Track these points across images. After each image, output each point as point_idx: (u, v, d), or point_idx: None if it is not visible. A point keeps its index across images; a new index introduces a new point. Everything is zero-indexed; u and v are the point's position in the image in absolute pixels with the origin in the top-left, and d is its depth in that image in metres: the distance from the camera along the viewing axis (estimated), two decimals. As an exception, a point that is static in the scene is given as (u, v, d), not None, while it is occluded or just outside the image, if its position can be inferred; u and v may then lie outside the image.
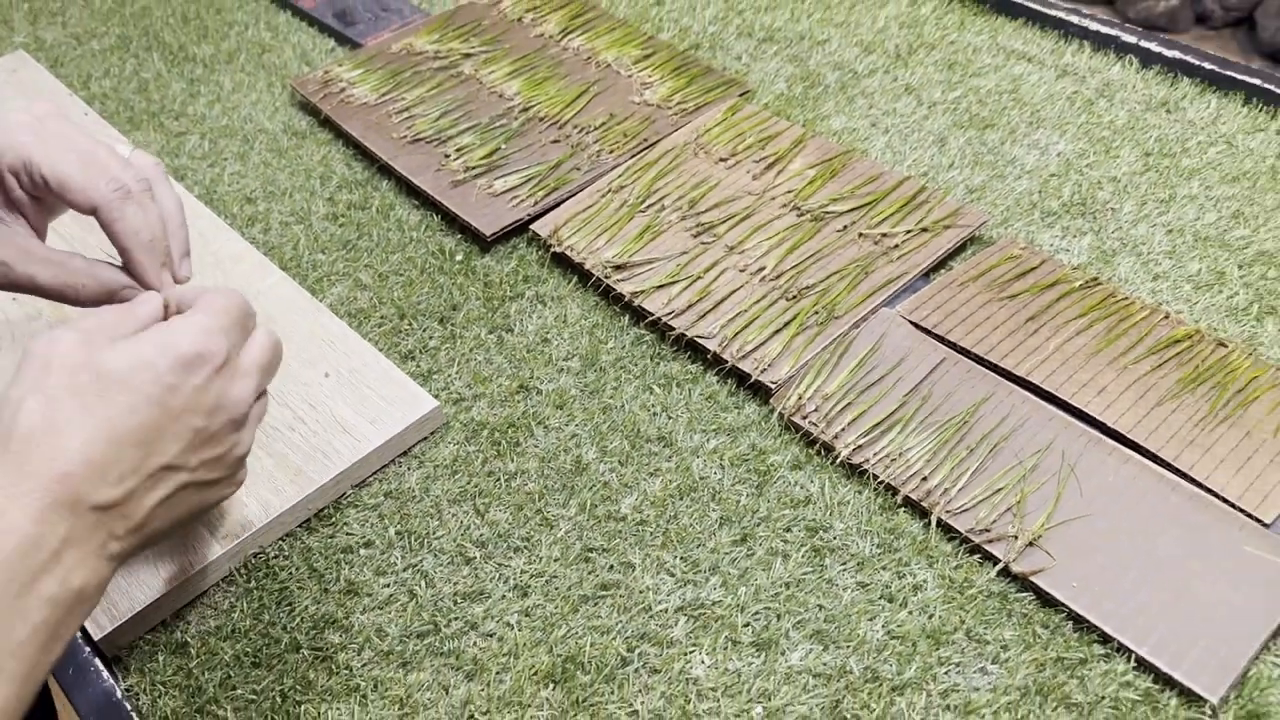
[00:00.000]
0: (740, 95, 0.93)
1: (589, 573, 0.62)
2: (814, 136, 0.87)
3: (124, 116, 0.98)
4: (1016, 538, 0.60)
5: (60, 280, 0.57)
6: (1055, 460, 0.63)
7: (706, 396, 0.70)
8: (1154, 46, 0.94)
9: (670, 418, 0.69)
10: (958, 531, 0.61)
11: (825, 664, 0.57)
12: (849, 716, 0.54)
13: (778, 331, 0.72)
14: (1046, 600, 0.58)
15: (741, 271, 0.76)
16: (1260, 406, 0.65)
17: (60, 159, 0.55)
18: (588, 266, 0.78)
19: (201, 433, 0.49)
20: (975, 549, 0.61)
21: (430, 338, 0.76)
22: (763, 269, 0.76)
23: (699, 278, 0.76)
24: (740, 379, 0.71)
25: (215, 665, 0.59)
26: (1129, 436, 0.64)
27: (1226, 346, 0.69)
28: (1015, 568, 0.59)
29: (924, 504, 0.62)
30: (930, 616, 0.58)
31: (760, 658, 0.57)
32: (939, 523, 0.62)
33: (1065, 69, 0.95)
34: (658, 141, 0.88)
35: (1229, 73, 0.90)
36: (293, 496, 0.64)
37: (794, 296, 0.74)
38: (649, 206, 0.82)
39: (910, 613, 0.58)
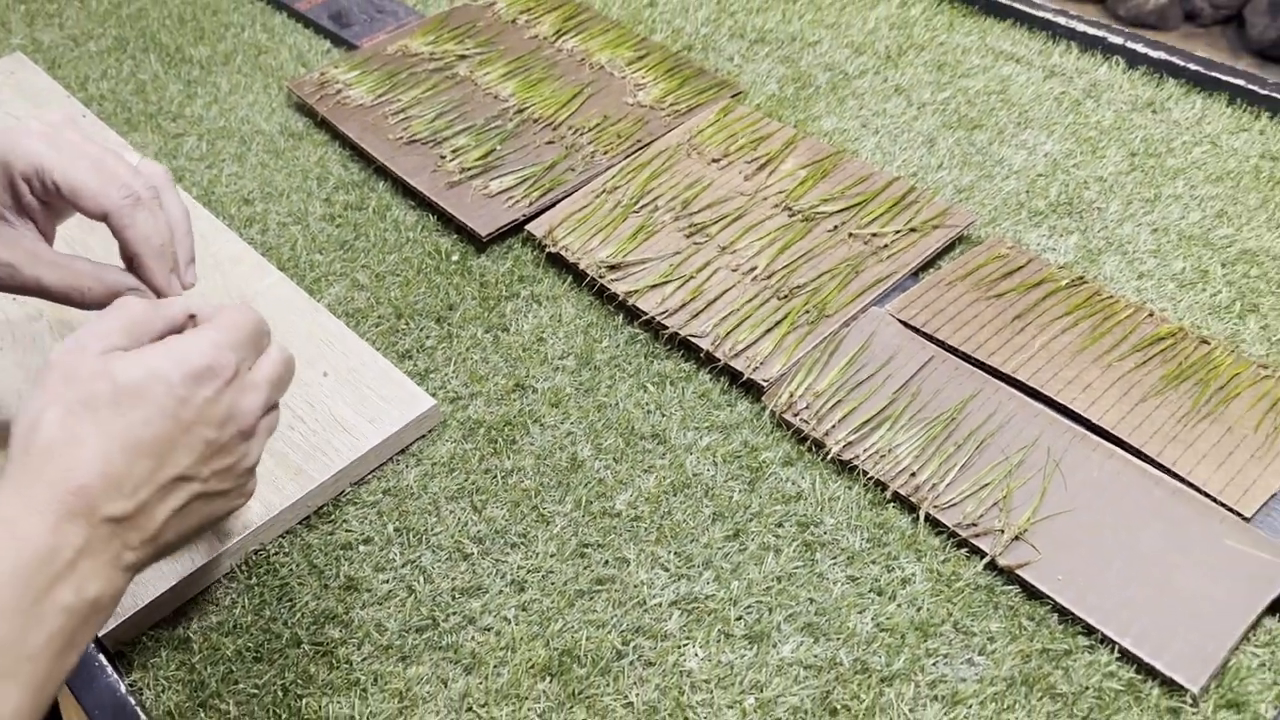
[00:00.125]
0: (732, 96, 0.94)
1: (584, 568, 0.63)
2: (805, 137, 0.88)
3: (121, 118, 0.99)
4: (1003, 532, 0.61)
5: (66, 283, 0.58)
6: (1041, 456, 0.64)
7: (699, 394, 0.72)
8: (1140, 48, 0.95)
9: (664, 415, 0.70)
10: (945, 526, 0.62)
11: (816, 656, 0.58)
12: (839, 707, 0.56)
13: (769, 330, 0.73)
14: (1032, 593, 0.60)
15: (734, 271, 0.78)
16: (1241, 403, 0.67)
17: (73, 166, 0.56)
18: (582, 266, 0.79)
19: (212, 444, 0.50)
20: (962, 543, 0.62)
21: (427, 337, 0.77)
22: (754, 269, 0.77)
23: (692, 277, 0.77)
24: (733, 377, 0.72)
25: (218, 660, 0.60)
26: (1113, 432, 0.65)
27: (1209, 344, 0.71)
28: (1001, 561, 0.60)
29: (912, 499, 0.63)
30: (918, 609, 0.59)
31: (752, 650, 0.58)
32: (927, 518, 0.63)
33: (1053, 70, 0.97)
34: (651, 142, 0.89)
35: (1214, 73, 0.92)
36: (293, 494, 0.65)
37: (785, 296, 0.75)
38: (642, 207, 0.83)
39: (899, 605, 0.60)
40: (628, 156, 0.88)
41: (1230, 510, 0.61)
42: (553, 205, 0.84)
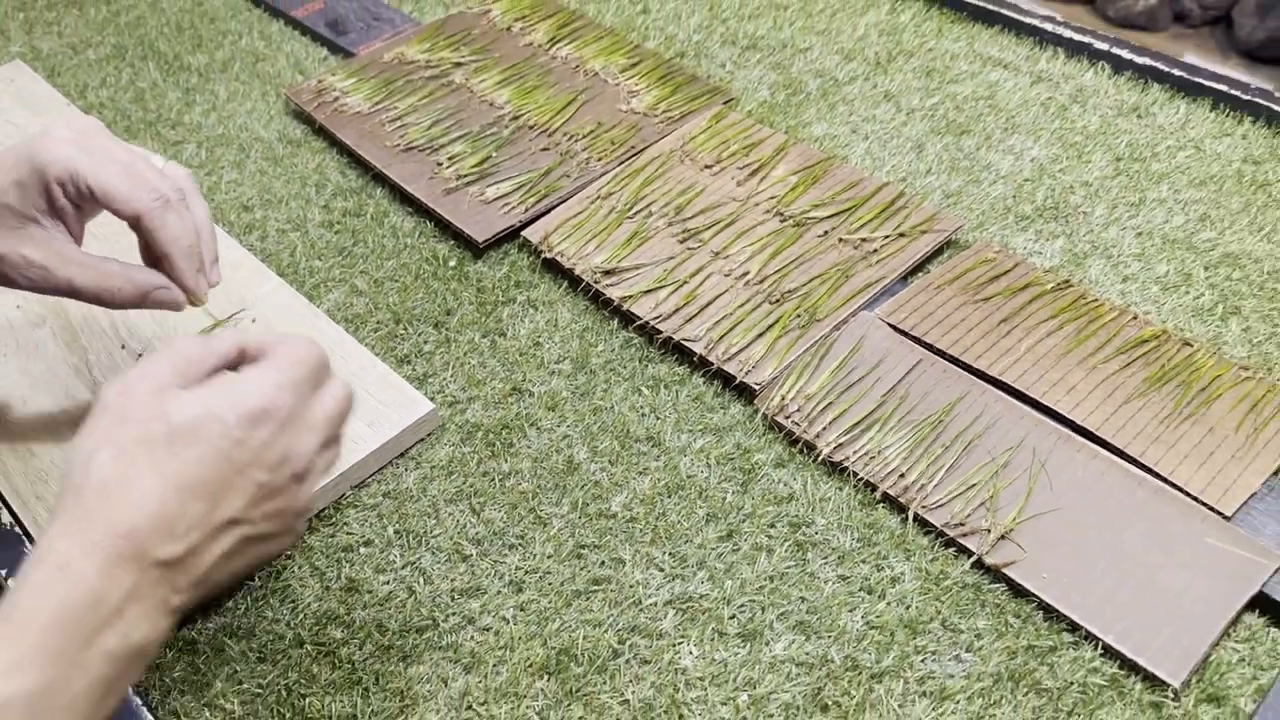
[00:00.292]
0: (725, 103, 0.95)
1: (581, 568, 0.64)
2: (796, 143, 0.90)
3: (121, 125, 1.00)
4: (989, 531, 0.63)
5: (97, 284, 0.60)
6: (1027, 457, 0.66)
7: (693, 398, 0.73)
8: (1125, 53, 0.97)
9: (658, 418, 0.72)
10: (933, 526, 0.64)
11: (807, 653, 0.59)
12: (830, 703, 0.57)
13: (761, 334, 0.74)
14: (1018, 591, 0.61)
15: (726, 276, 0.79)
16: (1223, 404, 0.68)
17: (104, 171, 0.58)
18: (577, 272, 0.80)
19: (265, 486, 0.48)
20: (950, 542, 0.63)
21: (425, 342, 0.78)
22: (747, 273, 0.79)
23: (685, 282, 0.78)
24: (725, 380, 0.73)
25: (222, 661, 0.61)
26: (1097, 433, 0.67)
27: (1192, 346, 0.72)
28: (988, 560, 0.62)
29: (901, 500, 0.65)
30: (907, 607, 0.61)
31: (745, 648, 0.60)
32: (916, 517, 0.64)
33: (1040, 75, 0.98)
34: (645, 149, 0.91)
35: (1197, 79, 0.93)
36: (294, 497, 0.66)
37: (777, 300, 0.77)
38: (636, 213, 0.85)
39: (888, 604, 0.61)
40: (621, 163, 0.90)
41: (1211, 509, 0.63)
42: (548, 211, 0.86)
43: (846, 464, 0.67)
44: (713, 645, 0.60)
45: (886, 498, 0.66)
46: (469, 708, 0.58)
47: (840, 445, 0.68)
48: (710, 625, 0.61)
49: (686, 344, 0.74)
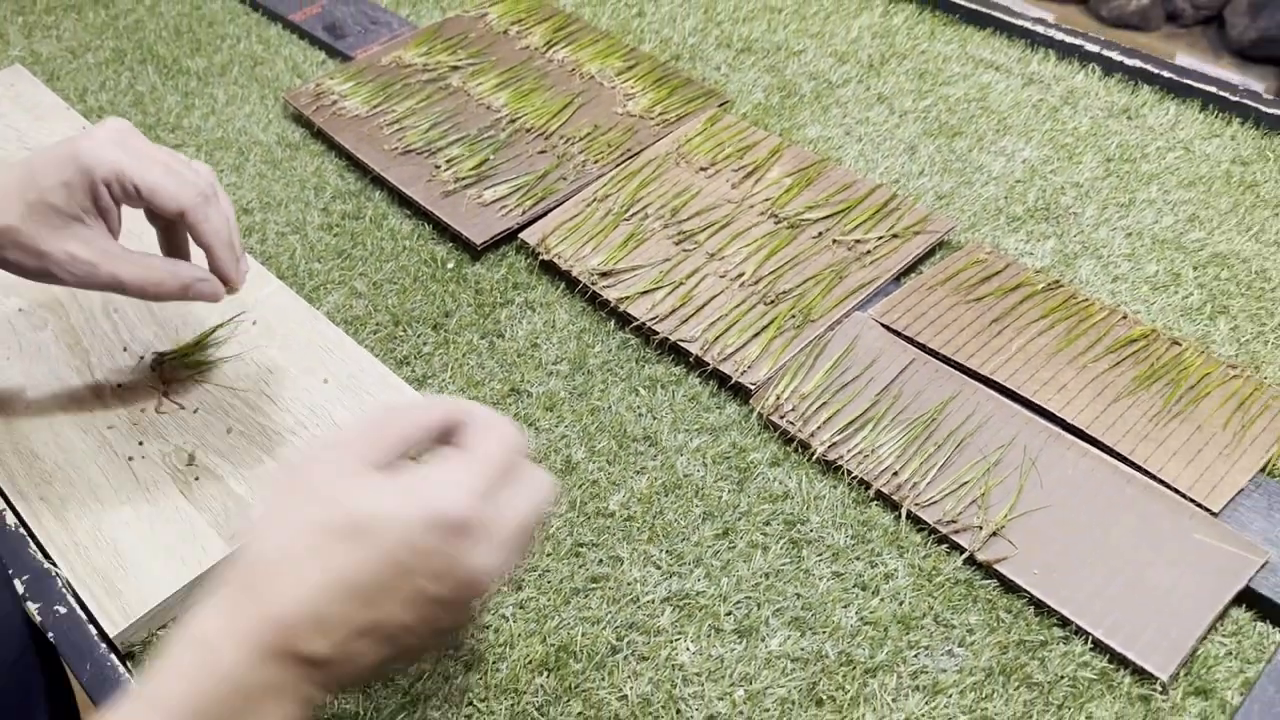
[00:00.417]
0: (719, 106, 0.96)
1: (580, 567, 0.65)
2: (790, 145, 0.91)
3: (121, 129, 1.00)
4: (981, 528, 0.64)
5: (142, 278, 0.62)
6: (1018, 455, 0.67)
7: (689, 398, 0.74)
8: (1115, 55, 0.98)
9: (655, 418, 0.73)
10: (926, 523, 0.65)
11: (803, 649, 0.60)
12: (825, 698, 0.58)
13: (756, 335, 0.75)
14: (1009, 586, 0.62)
15: (722, 277, 0.80)
16: (1211, 402, 0.69)
17: (149, 171, 0.61)
18: (575, 273, 0.81)
19: (434, 599, 0.43)
20: (943, 539, 0.64)
21: (424, 344, 0.79)
22: (742, 275, 0.80)
23: (681, 283, 0.79)
24: (721, 380, 0.74)
25: (226, 659, 0.62)
26: (1087, 431, 0.68)
27: (1180, 345, 0.73)
28: (980, 556, 0.63)
29: (895, 497, 0.66)
30: (901, 603, 0.62)
31: (742, 644, 0.61)
32: (909, 515, 0.65)
33: (1031, 77, 0.99)
34: (640, 151, 0.92)
35: (1186, 80, 0.94)
36: (296, 498, 0.67)
37: (772, 301, 0.78)
38: (633, 215, 0.85)
39: (882, 600, 0.62)
40: (618, 165, 0.91)
41: (1199, 506, 0.64)
42: (545, 214, 0.87)
43: (840, 462, 0.68)
44: (709, 641, 0.61)
45: (880, 495, 0.67)
46: (470, 704, 0.59)
47: (834, 444, 0.69)
48: (707, 622, 0.62)
49: (683, 345, 0.75)
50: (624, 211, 0.86)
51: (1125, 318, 0.75)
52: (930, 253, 0.82)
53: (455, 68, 1.02)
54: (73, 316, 0.79)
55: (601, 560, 0.65)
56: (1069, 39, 1.00)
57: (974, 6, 1.06)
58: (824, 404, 0.71)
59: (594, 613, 0.63)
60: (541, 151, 0.92)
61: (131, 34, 1.14)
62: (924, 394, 0.71)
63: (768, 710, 0.58)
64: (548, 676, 0.60)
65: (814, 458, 0.69)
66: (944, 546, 0.64)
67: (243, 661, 0.41)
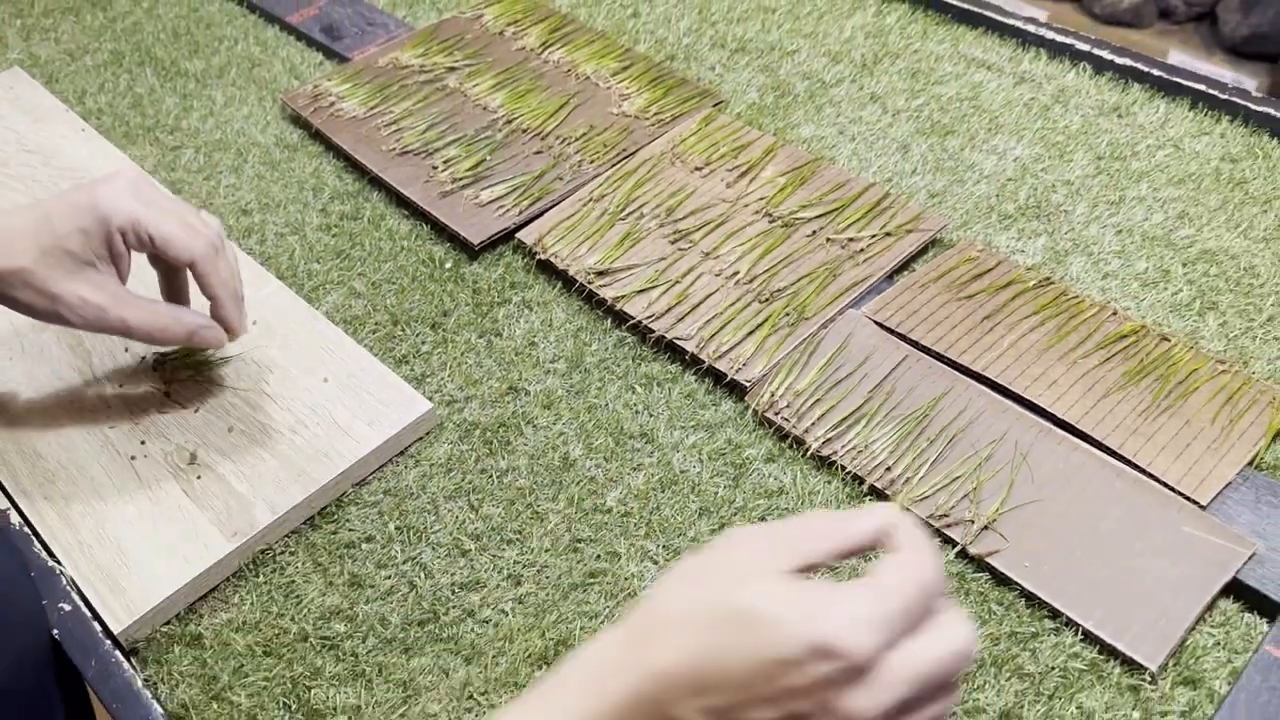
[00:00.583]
0: (714, 106, 0.97)
1: (578, 562, 0.66)
2: (784, 145, 0.92)
3: (120, 131, 1.01)
4: (973, 522, 0.65)
5: (148, 323, 0.66)
6: (1009, 450, 0.68)
7: (685, 395, 0.75)
8: (1106, 54, 0.99)
9: (651, 415, 0.74)
10: (919, 517, 0.66)
11: (797, 642, 0.61)
12: (820, 689, 0.59)
13: (751, 332, 0.76)
14: (1001, 579, 0.63)
15: (717, 276, 0.81)
16: (1199, 397, 0.70)
17: (164, 221, 0.65)
18: (571, 272, 0.82)
19: (796, 718, 0.41)
20: (935, 533, 0.65)
21: (423, 343, 0.80)
22: (737, 273, 0.81)
23: (677, 282, 0.80)
24: (717, 378, 0.75)
25: (228, 655, 0.63)
26: (1077, 426, 0.69)
27: (1169, 341, 0.74)
28: (972, 550, 0.64)
29: (888, 492, 0.67)
30: (894, 596, 0.63)
31: (737, 637, 0.62)
32: (902, 510, 0.66)
33: (1023, 76, 1.00)
34: (636, 151, 0.92)
35: (1176, 79, 0.95)
36: (296, 496, 0.68)
37: (766, 299, 0.79)
38: (628, 214, 0.86)
39: (876, 593, 0.63)
40: (613, 165, 0.91)
41: (1188, 499, 0.65)
42: (542, 214, 0.88)
43: (835, 458, 0.69)
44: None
45: (873, 490, 0.68)
46: (469, 697, 0.60)
47: (828, 440, 0.70)
48: (703, 615, 0.63)
49: (678, 343, 0.76)
50: (620, 211, 0.86)
51: (1115, 314, 0.76)
52: (923, 250, 0.83)
53: (452, 69, 1.03)
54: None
55: (599, 555, 0.66)
56: (1060, 38, 1.01)
57: (966, 6, 1.07)
58: (818, 400, 0.72)
59: (592, 607, 0.63)
60: (538, 152, 0.93)
61: (129, 36, 1.15)
62: (916, 390, 0.72)
63: (763, 702, 0.59)
64: (547, 670, 0.61)
65: (808, 453, 0.70)
66: (936, 540, 0.65)
67: (623, 702, 0.42)
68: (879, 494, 0.67)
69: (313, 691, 0.61)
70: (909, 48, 1.04)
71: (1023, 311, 0.76)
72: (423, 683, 0.61)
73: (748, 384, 0.73)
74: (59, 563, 0.66)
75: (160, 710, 0.60)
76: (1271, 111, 0.91)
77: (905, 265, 0.82)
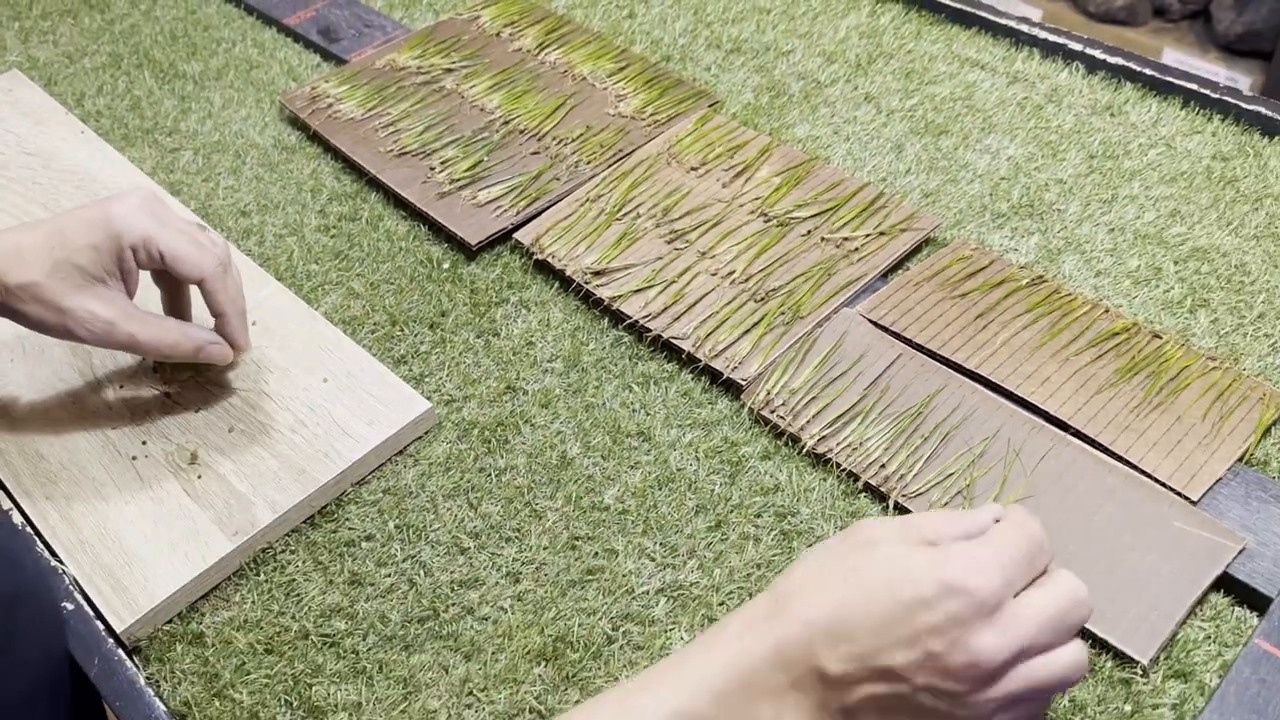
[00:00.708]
0: (710, 106, 0.98)
1: (576, 559, 0.67)
2: (779, 145, 0.92)
3: (119, 134, 1.02)
4: (967, 518, 0.65)
5: (158, 339, 0.67)
6: (1002, 447, 0.69)
7: (682, 393, 0.75)
8: (1099, 54, 0.99)
9: (648, 414, 0.74)
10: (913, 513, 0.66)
11: (793, 637, 0.62)
12: (815, 684, 0.60)
13: (747, 331, 0.77)
14: (994, 575, 0.64)
15: (713, 275, 0.81)
16: (1190, 393, 0.71)
17: (175, 239, 0.66)
18: (568, 273, 0.82)
19: (935, 657, 0.44)
20: (930, 529, 0.66)
21: (421, 343, 0.80)
22: (732, 273, 0.81)
23: (673, 282, 0.81)
24: (713, 376, 0.76)
25: (230, 653, 0.63)
26: (1070, 423, 0.69)
27: (1161, 338, 0.75)
28: (966, 546, 0.64)
29: (883, 489, 0.67)
30: (889, 592, 0.63)
31: (734, 633, 0.62)
32: (896, 506, 0.67)
33: (1016, 75, 1.01)
34: (632, 152, 0.93)
35: (1168, 78, 0.96)
36: (296, 495, 0.69)
37: (762, 298, 0.79)
38: (625, 215, 0.87)
39: (871, 589, 0.64)
40: (610, 166, 0.92)
41: (1179, 494, 0.66)
42: (539, 214, 0.88)
43: (830, 455, 0.70)
44: (703, 631, 0.62)
45: (868, 487, 0.68)
46: (469, 694, 0.61)
47: (824, 437, 0.70)
48: (700, 612, 0.63)
49: (675, 342, 0.77)
50: (616, 211, 0.87)
51: (1107, 312, 0.77)
52: (917, 249, 0.84)
53: (449, 70, 1.04)
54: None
55: (597, 553, 0.67)
56: (1053, 38, 1.02)
57: (960, 6, 1.07)
58: (813, 398, 0.73)
59: (590, 604, 0.64)
60: (535, 153, 0.94)
61: (128, 39, 1.15)
62: (911, 388, 0.73)
63: (760, 697, 0.59)
64: (546, 666, 0.62)
65: (804, 451, 0.71)
66: (931, 536, 0.66)
67: (770, 654, 0.45)
68: (874, 491, 0.68)
69: (314, 689, 0.61)
70: (903, 48, 1.05)
71: (1016, 310, 0.77)
72: (423, 679, 0.61)
73: (743, 382, 0.74)
74: (61, 562, 0.67)
75: (163, 708, 0.61)
76: (1262, 110, 0.92)
77: (899, 264, 0.83)
